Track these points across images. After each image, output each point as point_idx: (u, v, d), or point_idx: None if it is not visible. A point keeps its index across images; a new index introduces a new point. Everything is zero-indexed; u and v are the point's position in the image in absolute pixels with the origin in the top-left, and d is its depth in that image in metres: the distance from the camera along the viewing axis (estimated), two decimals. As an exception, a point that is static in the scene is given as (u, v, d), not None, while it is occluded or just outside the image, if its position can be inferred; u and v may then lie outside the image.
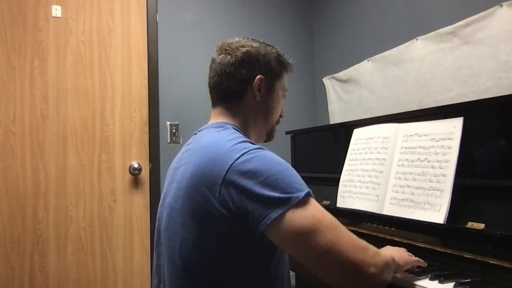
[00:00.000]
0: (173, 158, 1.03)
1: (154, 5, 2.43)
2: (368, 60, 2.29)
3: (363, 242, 0.79)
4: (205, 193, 0.81)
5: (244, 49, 0.97)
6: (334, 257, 0.75)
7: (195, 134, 1.00)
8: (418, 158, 1.23)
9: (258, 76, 0.96)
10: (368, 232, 1.29)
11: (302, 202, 0.77)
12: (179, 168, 0.93)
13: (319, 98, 2.85)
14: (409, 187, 1.23)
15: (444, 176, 1.12)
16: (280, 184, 0.78)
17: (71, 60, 2.25)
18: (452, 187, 1.10)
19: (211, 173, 0.81)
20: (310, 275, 1.21)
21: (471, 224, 1.04)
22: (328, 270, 0.77)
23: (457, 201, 1.10)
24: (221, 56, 0.98)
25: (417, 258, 1.01)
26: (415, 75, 1.96)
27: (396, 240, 1.20)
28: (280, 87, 1.03)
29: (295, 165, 2.10)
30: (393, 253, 0.93)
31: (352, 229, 1.24)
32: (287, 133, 2.19)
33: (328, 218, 0.78)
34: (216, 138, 0.89)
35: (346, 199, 1.50)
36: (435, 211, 1.12)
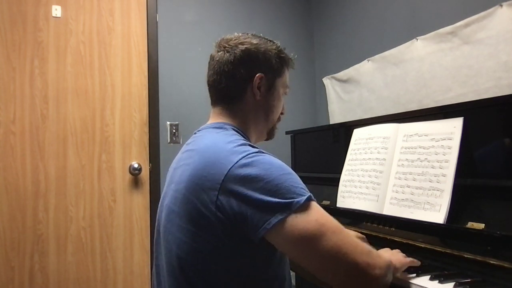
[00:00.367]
0: (173, 158, 1.03)
1: (154, 5, 2.43)
2: (368, 60, 2.29)
3: (365, 245, 0.79)
4: (202, 196, 0.80)
5: (243, 47, 0.94)
6: (339, 261, 0.74)
7: (195, 133, 0.99)
8: (418, 158, 1.23)
9: (258, 75, 0.94)
10: (368, 232, 1.29)
11: (304, 207, 0.76)
12: (178, 169, 0.93)
13: (319, 98, 2.85)
14: (409, 187, 1.23)
15: (444, 176, 1.12)
16: (280, 190, 0.76)
17: (71, 60, 2.25)
18: (452, 187, 1.10)
19: (209, 177, 0.80)
20: (310, 275, 1.21)
21: (471, 224, 1.04)
22: (333, 273, 0.76)
23: (457, 201, 1.09)
24: (219, 53, 0.96)
25: (411, 259, 1.00)
26: (415, 75, 1.96)
27: (396, 240, 1.20)
28: (281, 84, 1.00)
29: (295, 165, 2.10)
30: (390, 255, 0.94)
31: (352, 229, 1.25)
32: (287, 133, 2.19)
33: (332, 222, 0.78)
34: (215, 140, 0.88)
35: (346, 199, 1.50)
36: (435, 211, 1.11)
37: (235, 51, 0.94)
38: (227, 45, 0.95)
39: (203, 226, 0.80)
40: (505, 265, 0.90)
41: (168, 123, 2.44)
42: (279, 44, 1.01)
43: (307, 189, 0.80)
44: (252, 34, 0.99)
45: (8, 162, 2.11)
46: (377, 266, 0.76)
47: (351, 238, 0.77)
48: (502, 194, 1.05)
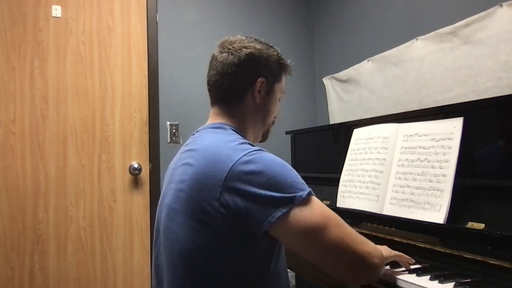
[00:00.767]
0: (174, 157, 1.03)
1: (154, 5, 2.43)
2: (368, 60, 2.29)
3: (363, 237, 0.84)
4: (206, 193, 0.81)
5: (247, 51, 0.96)
6: (342, 251, 0.79)
7: (193, 134, 1.00)
8: (418, 158, 1.23)
9: (259, 79, 0.97)
10: (368, 232, 1.29)
11: (306, 201, 0.80)
12: (177, 168, 0.94)
13: (319, 98, 2.85)
14: (409, 187, 1.23)
15: (444, 176, 1.12)
16: (282, 185, 0.79)
17: (71, 60, 2.25)
18: (452, 187, 1.10)
19: (211, 174, 0.82)
20: (309, 275, 1.21)
21: (471, 224, 1.04)
22: (336, 263, 0.80)
23: (457, 201, 1.10)
24: (223, 54, 0.97)
25: (397, 253, 1.01)
26: (415, 75, 1.96)
27: (396, 240, 1.20)
28: (279, 90, 1.04)
29: (295, 165, 2.10)
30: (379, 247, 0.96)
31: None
32: (287, 133, 2.19)
33: (334, 214, 0.82)
34: (216, 140, 0.90)
35: (346, 199, 1.50)
36: (435, 211, 1.12)
37: (239, 54, 0.96)
38: (231, 47, 0.97)
39: (207, 223, 0.82)
40: (505, 265, 0.90)
41: (168, 123, 2.44)
42: (279, 51, 1.04)
43: (306, 184, 0.84)
44: (255, 39, 1.02)
45: (8, 162, 2.11)
46: (375, 256, 0.82)
47: (351, 230, 0.82)
48: (502, 194, 1.05)
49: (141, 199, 2.34)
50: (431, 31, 1.86)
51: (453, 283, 0.90)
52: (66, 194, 2.20)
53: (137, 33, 2.38)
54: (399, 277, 0.97)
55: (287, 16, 2.83)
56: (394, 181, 1.30)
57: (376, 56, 2.22)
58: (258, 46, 0.98)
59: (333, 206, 1.53)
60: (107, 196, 2.28)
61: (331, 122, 2.61)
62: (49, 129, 2.19)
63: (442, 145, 1.17)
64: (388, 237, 1.23)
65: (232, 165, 0.80)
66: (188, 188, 0.85)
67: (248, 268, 0.86)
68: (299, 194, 0.79)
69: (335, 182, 1.58)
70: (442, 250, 1.06)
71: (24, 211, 2.12)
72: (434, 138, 1.20)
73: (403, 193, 1.25)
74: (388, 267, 1.01)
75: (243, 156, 0.82)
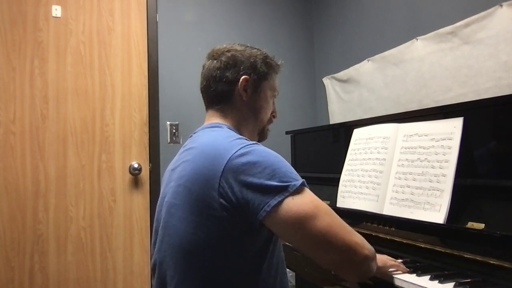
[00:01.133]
0: (173, 158, 1.04)
1: (154, 5, 2.43)
2: (368, 60, 2.29)
3: (353, 230, 0.85)
4: (205, 186, 0.84)
5: (229, 54, 1.02)
6: (331, 240, 0.80)
7: (191, 136, 1.04)
8: (418, 158, 1.23)
9: (242, 77, 1.01)
10: (368, 232, 1.29)
11: (299, 190, 0.83)
12: (177, 168, 0.96)
13: (319, 98, 2.85)
14: (409, 187, 1.23)
15: (444, 176, 1.13)
16: (277, 174, 0.82)
17: (71, 60, 2.25)
18: (452, 187, 1.10)
19: (210, 167, 0.85)
20: (309, 275, 1.21)
21: (471, 224, 1.04)
22: (325, 252, 0.82)
23: (457, 201, 1.10)
24: (209, 62, 1.05)
25: (393, 263, 1.01)
26: (415, 75, 1.96)
27: (396, 240, 1.20)
28: (268, 87, 1.06)
29: (295, 165, 2.10)
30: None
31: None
32: (287, 133, 2.19)
33: (324, 204, 0.85)
34: (213, 137, 0.94)
35: (346, 199, 1.50)
36: (435, 211, 1.12)
37: (222, 58, 1.02)
38: (215, 54, 1.04)
39: (207, 216, 0.84)
40: (505, 265, 0.90)
41: (168, 123, 2.44)
42: (265, 51, 1.08)
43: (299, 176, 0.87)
44: (238, 44, 1.07)
45: (8, 162, 2.11)
46: (365, 247, 0.83)
47: (341, 220, 0.84)
48: (502, 194, 1.05)
49: (141, 199, 2.34)
50: (431, 31, 1.86)
51: (453, 283, 0.90)
52: (66, 194, 2.20)
53: (137, 33, 2.38)
54: (399, 277, 0.97)
55: (287, 16, 2.82)
56: (394, 181, 1.30)
57: (376, 56, 2.22)
58: (239, 48, 1.04)
59: (333, 206, 1.53)
60: (107, 196, 2.28)
61: (331, 122, 2.61)
62: (49, 129, 2.19)
63: (442, 145, 1.17)
64: (388, 237, 1.23)
65: (229, 158, 0.83)
66: (187, 182, 0.88)
67: (249, 260, 0.88)
68: (293, 183, 0.82)
69: (335, 182, 1.59)
70: (442, 250, 1.06)
71: (24, 211, 2.12)
72: (434, 138, 1.20)
73: (403, 193, 1.25)
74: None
75: (239, 149, 0.85)
